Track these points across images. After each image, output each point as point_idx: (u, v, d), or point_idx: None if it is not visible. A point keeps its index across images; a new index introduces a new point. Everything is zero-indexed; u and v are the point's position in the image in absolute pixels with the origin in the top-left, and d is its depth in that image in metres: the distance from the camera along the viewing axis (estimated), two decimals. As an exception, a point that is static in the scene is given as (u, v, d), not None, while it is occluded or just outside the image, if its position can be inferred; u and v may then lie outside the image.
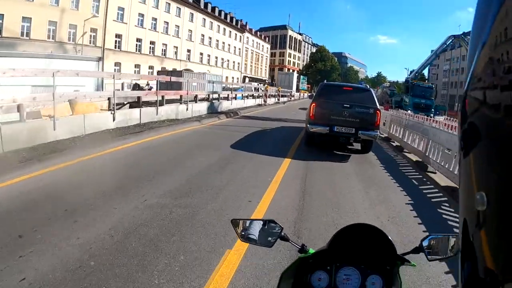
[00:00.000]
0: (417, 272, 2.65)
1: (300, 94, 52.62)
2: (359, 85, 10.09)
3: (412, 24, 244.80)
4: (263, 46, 71.54)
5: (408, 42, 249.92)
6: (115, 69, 33.95)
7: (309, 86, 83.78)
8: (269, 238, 1.13)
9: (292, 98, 40.39)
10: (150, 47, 38.15)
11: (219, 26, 51.92)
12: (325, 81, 9.66)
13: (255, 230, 1.14)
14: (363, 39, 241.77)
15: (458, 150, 0.49)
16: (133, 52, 35.56)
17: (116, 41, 33.83)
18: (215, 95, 17.22)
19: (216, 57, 52.21)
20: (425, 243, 1.07)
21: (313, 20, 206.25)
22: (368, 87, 8.77)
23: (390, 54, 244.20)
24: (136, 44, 36.19)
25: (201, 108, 14.06)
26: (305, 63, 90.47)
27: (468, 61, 0.46)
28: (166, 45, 40.42)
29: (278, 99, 30.84)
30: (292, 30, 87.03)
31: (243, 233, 1.15)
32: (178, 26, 42.20)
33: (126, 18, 34.26)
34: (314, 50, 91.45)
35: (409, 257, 1.07)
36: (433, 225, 3.91)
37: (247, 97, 23.67)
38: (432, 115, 22.96)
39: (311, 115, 7.61)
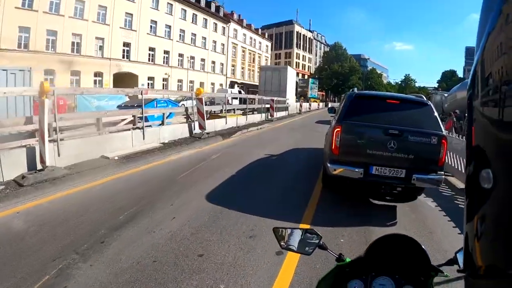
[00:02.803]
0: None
1: (309, 105, 37.15)
2: (410, 97, 5.82)
3: (426, 30, 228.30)
4: (260, 43, 56.83)
5: (424, 48, 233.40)
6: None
7: (323, 93, 68.23)
8: (308, 247, 1.18)
9: (286, 113, 23.24)
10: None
11: (185, 10, 37.00)
12: (355, 89, 5.68)
13: (295, 238, 1.20)
14: (378, 45, 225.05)
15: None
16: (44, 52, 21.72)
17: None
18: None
19: (181, 55, 37.19)
20: (459, 255, 1.06)
21: (324, 22, 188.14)
22: (425, 99, 5.66)
23: (407, 60, 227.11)
24: (48, 39, 22.39)
25: None
26: (317, 65, 75.26)
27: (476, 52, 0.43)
28: (80, 35, 26.37)
29: (238, 126, 13.50)
30: (300, 26, 72.06)
31: (283, 241, 1.21)
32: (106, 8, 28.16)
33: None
34: (328, 50, 76.22)
35: (443, 269, 1.06)
36: None
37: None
38: None
39: (333, 147, 4.65)
